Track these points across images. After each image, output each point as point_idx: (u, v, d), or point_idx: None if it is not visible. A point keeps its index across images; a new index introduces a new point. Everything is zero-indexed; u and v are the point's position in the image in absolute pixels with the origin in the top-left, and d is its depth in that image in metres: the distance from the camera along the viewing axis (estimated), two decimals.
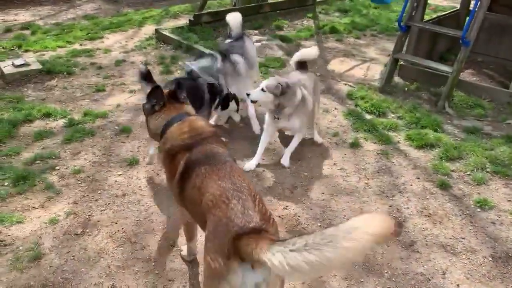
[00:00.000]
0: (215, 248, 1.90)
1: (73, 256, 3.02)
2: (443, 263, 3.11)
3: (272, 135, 4.37)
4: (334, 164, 4.25)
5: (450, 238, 3.35)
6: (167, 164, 2.51)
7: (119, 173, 3.92)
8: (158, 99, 2.61)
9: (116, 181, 3.82)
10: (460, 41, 5.19)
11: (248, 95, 4.04)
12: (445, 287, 2.92)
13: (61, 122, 4.75)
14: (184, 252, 3.04)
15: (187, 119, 2.56)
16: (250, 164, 4.11)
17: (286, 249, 1.60)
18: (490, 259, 3.16)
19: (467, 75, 6.24)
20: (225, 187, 2.10)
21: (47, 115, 4.85)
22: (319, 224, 3.45)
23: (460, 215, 3.60)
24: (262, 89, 3.93)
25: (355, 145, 4.54)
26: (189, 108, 2.73)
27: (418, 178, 4.05)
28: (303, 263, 1.55)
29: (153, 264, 2.99)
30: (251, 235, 1.79)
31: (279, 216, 3.49)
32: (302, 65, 4.58)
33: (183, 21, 8.31)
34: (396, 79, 6.12)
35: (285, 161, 4.18)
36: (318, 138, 4.59)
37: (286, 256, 1.58)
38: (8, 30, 7.97)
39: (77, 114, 4.93)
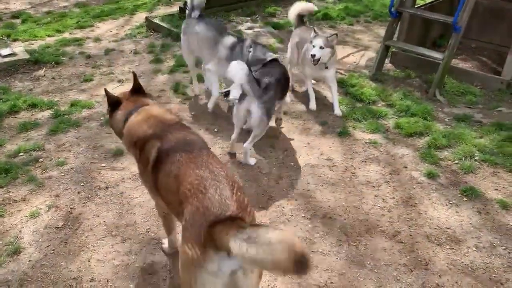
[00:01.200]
0: (192, 237, 1.89)
1: (53, 250, 3.01)
2: (426, 254, 3.09)
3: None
4: (321, 154, 4.21)
5: (435, 228, 3.32)
6: (138, 158, 2.49)
7: (103, 164, 3.89)
8: (109, 100, 2.70)
9: (99, 173, 3.79)
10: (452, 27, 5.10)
11: (313, 56, 4.54)
12: (427, 278, 2.90)
13: (47, 113, 4.71)
14: (165, 245, 3.03)
15: (142, 109, 2.58)
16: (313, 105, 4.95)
17: (242, 237, 1.64)
18: (474, 249, 3.14)
19: (459, 62, 6.15)
20: (202, 175, 2.10)
21: (33, 106, 4.81)
22: (302, 215, 3.42)
23: (446, 205, 3.57)
24: (321, 47, 4.55)
25: (343, 134, 4.49)
26: (146, 99, 2.73)
27: (406, 167, 4.02)
28: (251, 255, 1.61)
29: (133, 257, 2.98)
30: (225, 223, 1.79)
31: (263, 207, 3.47)
32: (302, 21, 5.26)
33: (175, 8, 8.19)
34: (388, 66, 6.04)
35: (338, 110, 4.84)
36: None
37: (241, 245, 1.62)
38: None
39: (63, 105, 4.88)
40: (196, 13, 4.80)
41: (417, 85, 5.59)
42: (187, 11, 4.96)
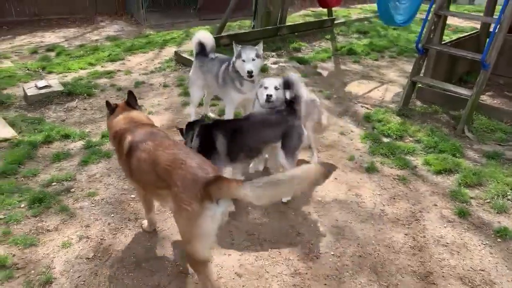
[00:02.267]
0: (188, 196, 2.50)
1: (84, 281, 3.03)
2: None
3: None
4: (349, 189, 4.18)
5: (468, 270, 3.23)
6: (117, 148, 3.17)
7: (132, 196, 3.95)
8: (108, 107, 3.37)
9: (129, 204, 3.85)
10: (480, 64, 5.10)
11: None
12: None
13: (79, 143, 4.84)
14: (145, 224, 3.52)
15: (126, 113, 3.26)
16: None
17: (254, 186, 2.41)
18: None
19: (487, 98, 6.11)
20: (174, 152, 2.72)
21: (66, 136, 4.95)
22: (332, 253, 3.38)
23: (479, 245, 3.48)
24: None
25: (371, 169, 4.47)
26: (134, 109, 3.37)
27: (436, 205, 3.95)
28: (266, 193, 2.43)
29: None
30: (219, 181, 2.48)
31: (291, 244, 3.44)
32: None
33: None
34: (414, 102, 6.03)
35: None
36: None
37: (255, 190, 2.41)
38: (34, 51, 8.28)
39: (95, 136, 5.02)
40: (212, 55, 5.02)
41: (445, 121, 5.56)
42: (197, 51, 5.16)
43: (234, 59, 4.47)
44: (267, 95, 3.89)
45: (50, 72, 7.02)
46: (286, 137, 3.78)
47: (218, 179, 2.51)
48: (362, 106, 5.97)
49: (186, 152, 2.75)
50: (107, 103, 3.37)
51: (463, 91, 5.42)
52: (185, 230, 2.65)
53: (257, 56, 4.38)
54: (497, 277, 3.16)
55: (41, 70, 7.11)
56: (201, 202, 2.47)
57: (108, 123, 3.41)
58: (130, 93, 3.41)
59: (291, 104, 3.79)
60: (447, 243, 3.50)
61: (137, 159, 2.86)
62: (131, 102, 3.40)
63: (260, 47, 4.46)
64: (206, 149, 3.45)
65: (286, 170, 3.59)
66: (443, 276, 3.17)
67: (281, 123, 3.76)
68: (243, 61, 4.36)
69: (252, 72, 4.34)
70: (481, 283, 3.11)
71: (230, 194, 2.49)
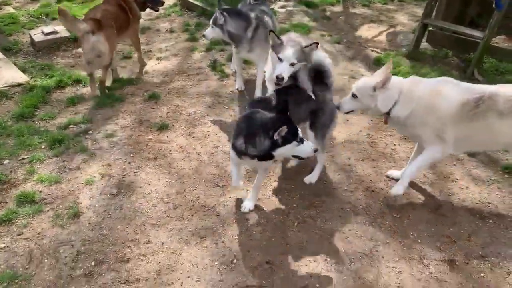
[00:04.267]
0: None
1: (110, 214, 3.18)
2: (468, 227, 3.15)
3: None
4: (360, 130, 4.26)
5: (477, 203, 3.37)
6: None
7: (150, 137, 4.04)
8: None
9: (147, 145, 3.94)
10: (493, 4, 5.01)
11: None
12: (470, 249, 2.96)
13: None
14: None
15: None
16: None
17: None
18: None
19: (499, 41, 6.05)
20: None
21: (78, 81, 4.97)
22: (345, 188, 3.51)
23: (488, 181, 3.60)
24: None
25: None
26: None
27: None
28: None
29: (186, 222, 3.12)
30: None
31: (303, 181, 3.56)
32: None
33: None
34: (425, 45, 5.99)
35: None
36: None
37: None
38: None
39: (106, 81, 5.03)
40: None
41: (455, 64, 5.55)
42: None
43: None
44: (277, 77, 3.25)
45: (54, 19, 6.89)
46: (315, 115, 3.35)
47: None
48: (372, 50, 5.94)
49: None
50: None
51: (475, 33, 5.36)
52: None
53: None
54: (504, 210, 3.31)
55: (44, 17, 6.99)
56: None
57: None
58: None
59: (321, 77, 3.35)
60: (457, 179, 3.63)
61: None
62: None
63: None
64: None
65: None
66: (452, 209, 3.31)
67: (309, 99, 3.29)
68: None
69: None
70: (489, 215, 3.26)
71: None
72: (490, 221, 3.20)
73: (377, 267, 2.83)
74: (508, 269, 2.83)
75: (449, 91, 3.04)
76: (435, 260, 2.88)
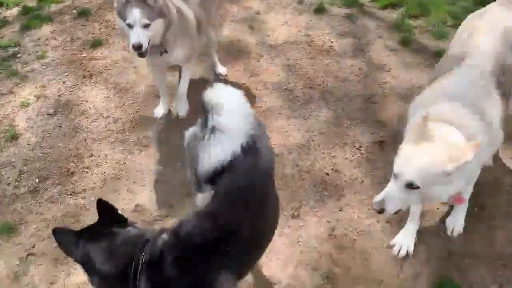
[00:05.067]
0: None
1: (49, 133, 3.16)
2: (398, 110, 3.34)
3: None
4: (299, 31, 4.25)
5: (408, 88, 3.54)
6: None
7: (83, 55, 3.90)
8: None
9: (81, 63, 3.82)
10: None
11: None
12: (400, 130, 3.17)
13: (15, 10, 4.55)
14: None
15: None
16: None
17: None
18: None
19: None
20: None
21: (0, 4, 4.63)
22: (284, 87, 3.59)
23: (419, 67, 3.76)
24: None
25: (320, 10, 4.49)
26: None
27: (381, 37, 4.12)
28: None
29: (127, 134, 3.16)
30: None
31: (244, 83, 3.60)
32: None
33: None
34: None
35: None
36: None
37: None
38: None
39: (31, 1, 4.70)
40: None
41: None
42: None
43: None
44: (133, 46, 2.60)
45: None
46: None
47: None
48: None
49: None
50: None
51: None
52: None
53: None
54: None
55: None
56: None
57: None
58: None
59: None
60: (390, 68, 3.76)
61: None
62: None
63: None
64: None
65: None
66: (384, 96, 3.48)
67: None
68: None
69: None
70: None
71: None
72: None
73: (314, 155, 3.01)
74: None
75: None
76: (366, 143, 3.09)
